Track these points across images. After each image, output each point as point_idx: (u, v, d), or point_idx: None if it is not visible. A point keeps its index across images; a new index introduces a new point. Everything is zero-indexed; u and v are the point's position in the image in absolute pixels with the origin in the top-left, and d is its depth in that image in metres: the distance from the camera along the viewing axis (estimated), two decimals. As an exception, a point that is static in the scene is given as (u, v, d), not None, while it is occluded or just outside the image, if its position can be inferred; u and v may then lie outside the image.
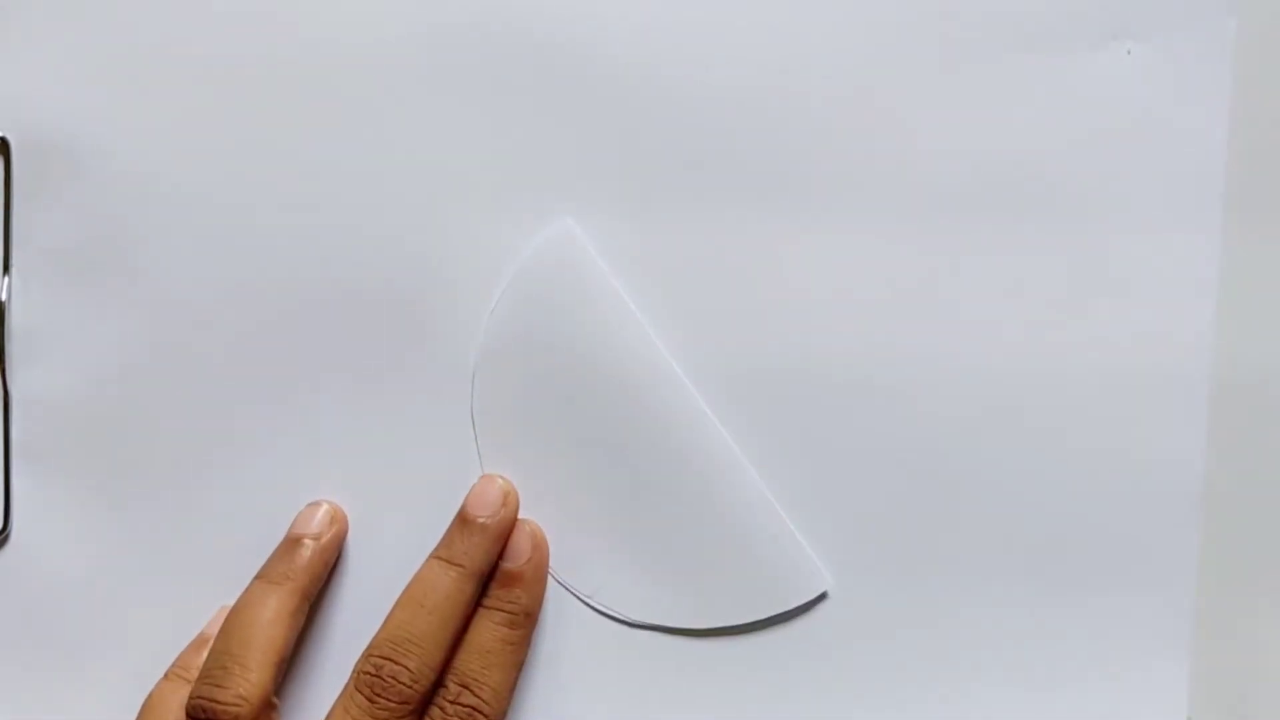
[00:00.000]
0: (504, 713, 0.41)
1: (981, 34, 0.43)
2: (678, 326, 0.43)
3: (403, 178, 0.43)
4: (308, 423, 0.43)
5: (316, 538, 0.42)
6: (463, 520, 0.41)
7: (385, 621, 0.40)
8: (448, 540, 0.41)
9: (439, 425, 0.43)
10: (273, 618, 0.40)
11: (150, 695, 0.41)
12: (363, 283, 0.43)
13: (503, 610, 0.41)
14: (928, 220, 0.43)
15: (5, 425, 0.43)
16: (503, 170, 0.43)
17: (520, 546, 0.42)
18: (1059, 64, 0.43)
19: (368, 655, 0.40)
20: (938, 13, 0.43)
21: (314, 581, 0.42)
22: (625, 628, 0.42)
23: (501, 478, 0.42)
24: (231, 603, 0.42)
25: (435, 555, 0.41)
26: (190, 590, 0.43)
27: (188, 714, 0.39)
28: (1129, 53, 0.43)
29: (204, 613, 0.43)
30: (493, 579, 0.41)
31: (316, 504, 0.43)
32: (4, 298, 0.43)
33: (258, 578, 0.42)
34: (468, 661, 0.40)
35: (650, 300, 0.43)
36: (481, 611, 0.41)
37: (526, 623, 0.41)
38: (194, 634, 0.43)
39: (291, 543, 0.42)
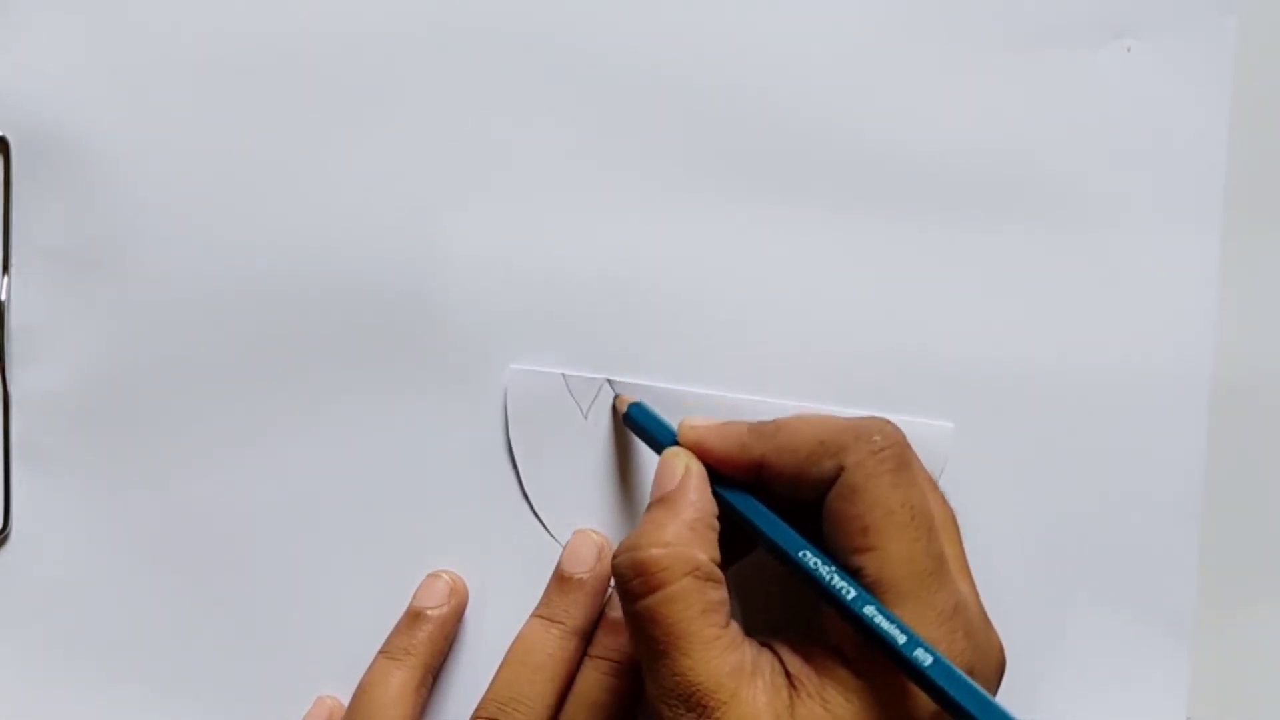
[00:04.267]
0: None
1: (981, 32, 0.43)
2: (679, 322, 0.43)
3: (403, 177, 0.43)
4: (308, 421, 0.43)
5: (437, 610, 0.42)
6: (559, 578, 0.41)
7: (491, 682, 0.41)
8: (547, 599, 0.42)
9: (442, 424, 0.43)
10: (396, 696, 0.40)
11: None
12: (363, 281, 0.43)
13: (608, 660, 0.40)
14: (926, 219, 0.43)
15: (5, 425, 0.43)
16: (503, 170, 0.43)
17: None
18: (1059, 62, 0.43)
19: (475, 716, 0.40)
20: (938, 11, 0.43)
21: (436, 656, 0.42)
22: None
23: (595, 532, 0.42)
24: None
25: (536, 614, 0.41)
26: (191, 589, 0.43)
27: None
28: (1129, 51, 0.43)
29: (205, 611, 0.43)
30: (599, 628, 0.41)
31: (436, 575, 0.42)
32: (4, 297, 0.43)
33: (380, 653, 0.42)
34: (574, 714, 0.40)
35: (651, 296, 0.43)
36: (587, 662, 0.40)
37: (633, 672, 0.40)
38: (194, 633, 0.43)
39: (412, 617, 0.42)
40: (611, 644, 0.41)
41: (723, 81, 0.43)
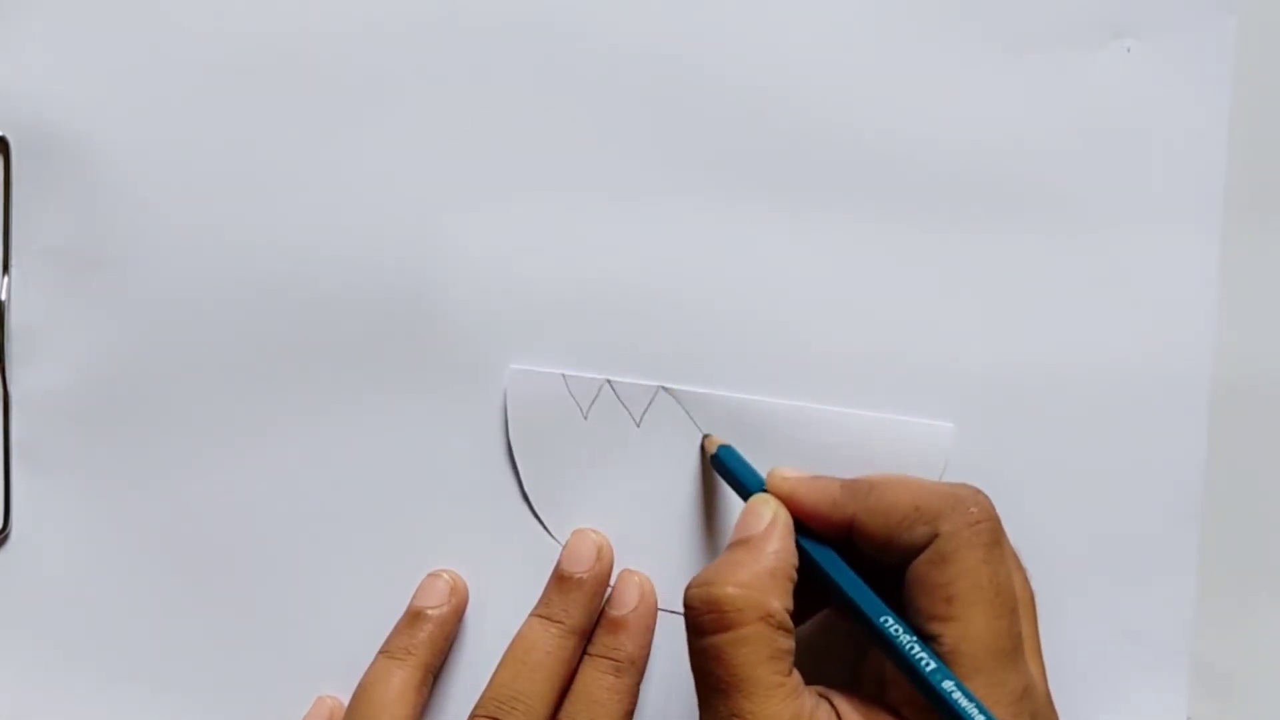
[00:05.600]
0: None
1: (981, 32, 0.43)
2: (678, 322, 0.43)
3: (404, 177, 0.43)
4: (308, 421, 0.43)
5: (438, 610, 0.42)
6: (559, 577, 0.42)
7: (491, 680, 0.41)
8: (546, 598, 0.42)
9: (442, 424, 0.43)
10: (397, 695, 0.40)
11: (368, 674, 0.41)
12: (364, 281, 0.43)
13: (607, 658, 0.40)
14: (926, 219, 0.43)
15: (5, 425, 0.43)
16: (503, 170, 0.43)
17: (627, 595, 0.41)
18: (1059, 63, 0.43)
19: (474, 715, 0.40)
20: (937, 11, 0.43)
21: (436, 655, 0.42)
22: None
23: (594, 532, 0.42)
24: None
25: (535, 613, 0.42)
26: (191, 589, 0.43)
27: None
28: (1129, 51, 0.43)
29: (205, 611, 0.43)
30: (598, 626, 0.41)
31: (436, 574, 0.43)
32: (4, 297, 0.43)
33: (381, 653, 0.42)
34: (573, 712, 0.40)
35: (650, 297, 0.43)
36: (586, 660, 0.41)
37: (632, 671, 0.41)
38: (194, 633, 0.43)
39: (413, 616, 0.42)
40: (611, 643, 0.41)
41: (724, 83, 0.43)
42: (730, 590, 0.35)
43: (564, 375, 0.42)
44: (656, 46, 0.43)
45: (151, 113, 0.43)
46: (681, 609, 0.41)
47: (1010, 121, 0.43)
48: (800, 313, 0.43)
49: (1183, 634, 0.43)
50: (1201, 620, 0.43)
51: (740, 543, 0.37)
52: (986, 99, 0.43)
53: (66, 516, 0.43)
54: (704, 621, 0.35)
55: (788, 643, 0.35)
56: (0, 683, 0.43)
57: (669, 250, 0.43)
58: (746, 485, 0.39)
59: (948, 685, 0.34)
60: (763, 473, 0.39)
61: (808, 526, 0.38)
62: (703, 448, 0.42)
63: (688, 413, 0.42)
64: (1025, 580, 0.39)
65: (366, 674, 0.41)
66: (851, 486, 0.37)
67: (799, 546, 0.37)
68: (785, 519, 0.37)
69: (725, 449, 0.41)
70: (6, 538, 0.43)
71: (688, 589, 0.36)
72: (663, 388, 0.42)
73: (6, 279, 0.43)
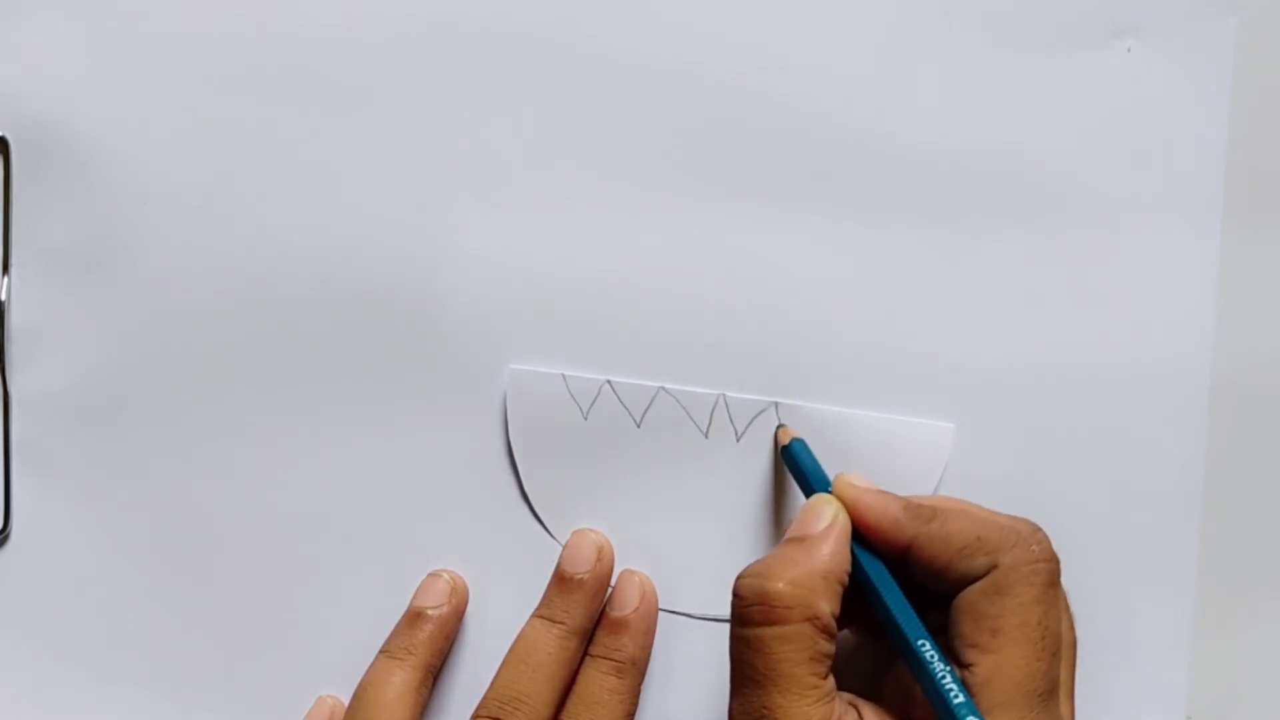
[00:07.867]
0: None
1: (981, 33, 0.43)
2: (678, 322, 0.43)
3: (404, 178, 0.43)
4: (308, 422, 0.43)
5: (438, 610, 0.42)
6: (560, 578, 0.42)
7: (492, 681, 0.41)
8: (547, 599, 0.42)
9: (442, 424, 0.43)
10: (397, 695, 0.40)
11: (368, 674, 0.41)
12: (364, 281, 0.43)
13: (609, 659, 0.41)
14: (926, 219, 0.43)
15: (5, 425, 0.43)
16: (504, 171, 0.43)
17: (628, 595, 0.42)
18: (1059, 63, 0.43)
19: (476, 715, 0.40)
20: (938, 12, 0.43)
21: (436, 655, 0.42)
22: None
23: (594, 532, 0.42)
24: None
25: (536, 614, 0.42)
26: (191, 589, 0.43)
27: None
28: (1129, 51, 0.43)
29: (206, 611, 0.43)
30: (599, 627, 0.41)
31: (437, 574, 0.43)
32: (4, 298, 0.43)
33: (381, 653, 0.42)
34: (575, 713, 0.40)
35: (651, 297, 0.43)
36: (588, 661, 0.41)
37: (633, 672, 0.41)
38: (194, 633, 0.43)
39: (413, 616, 0.42)
40: (612, 643, 0.41)
41: (725, 84, 0.43)
42: (780, 586, 0.35)
43: (564, 375, 0.43)
44: (659, 47, 0.43)
45: (152, 113, 0.43)
46: (681, 609, 0.42)
47: (1011, 122, 0.43)
48: (800, 313, 0.43)
49: (1182, 634, 0.43)
50: (1201, 620, 0.43)
51: (797, 539, 0.37)
52: (987, 99, 0.43)
53: (66, 516, 0.43)
54: (751, 613, 0.35)
55: (829, 646, 0.35)
56: (0, 683, 0.43)
57: (669, 250, 0.43)
58: (812, 483, 0.39)
59: None
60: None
61: (864, 537, 0.38)
62: (775, 437, 0.42)
63: (688, 413, 0.42)
64: (1071, 624, 0.38)
65: (366, 674, 0.41)
66: (914, 509, 0.37)
67: (852, 554, 0.37)
68: (845, 523, 0.37)
69: (798, 442, 0.41)
70: (6, 538, 0.43)
71: (738, 578, 0.36)
72: (663, 388, 0.42)
73: (6, 279, 0.43)
